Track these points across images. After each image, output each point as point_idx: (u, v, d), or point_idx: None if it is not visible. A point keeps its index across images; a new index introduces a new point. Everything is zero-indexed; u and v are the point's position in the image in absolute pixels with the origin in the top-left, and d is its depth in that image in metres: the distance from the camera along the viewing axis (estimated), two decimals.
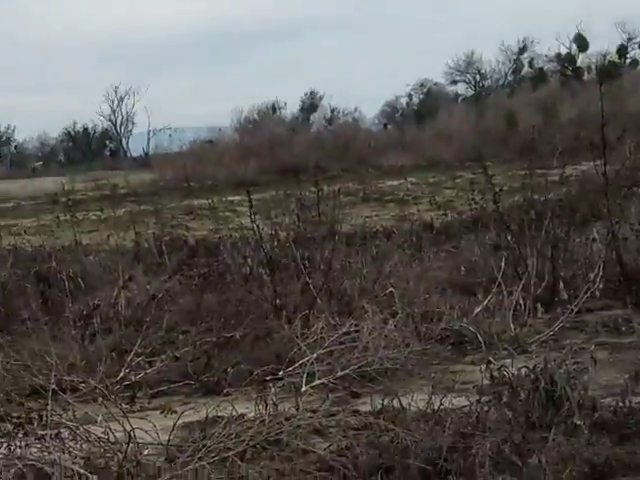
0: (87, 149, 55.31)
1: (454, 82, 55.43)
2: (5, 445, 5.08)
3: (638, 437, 5.08)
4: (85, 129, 55.77)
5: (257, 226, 9.81)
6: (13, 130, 55.83)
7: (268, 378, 6.89)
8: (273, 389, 6.13)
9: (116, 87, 55.54)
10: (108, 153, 56.39)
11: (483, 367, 6.09)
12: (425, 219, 15.12)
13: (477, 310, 8.38)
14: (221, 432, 5.19)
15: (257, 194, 17.66)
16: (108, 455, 5.16)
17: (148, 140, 53.77)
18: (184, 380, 7.37)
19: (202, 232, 15.81)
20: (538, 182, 10.87)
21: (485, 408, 5.55)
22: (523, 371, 5.77)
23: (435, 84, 54.54)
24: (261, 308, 9.08)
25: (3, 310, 9.60)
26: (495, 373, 5.95)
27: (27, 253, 12.51)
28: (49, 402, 5.49)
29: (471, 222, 12.68)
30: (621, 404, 5.52)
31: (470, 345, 7.83)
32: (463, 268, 10.50)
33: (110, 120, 55.93)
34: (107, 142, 57.04)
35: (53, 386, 5.67)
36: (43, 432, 5.15)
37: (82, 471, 4.91)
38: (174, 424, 5.35)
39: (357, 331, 7.47)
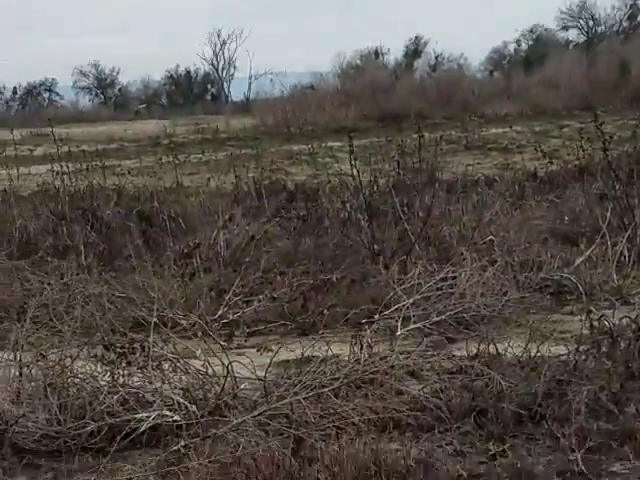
0: (189, 93, 55.95)
1: (565, 28, 53.51)
2: (109, 373, 5.29)
3: None
4: (187, 72, 56.37)
5: (357, 171, 9.79)
6: (118, 73, 56.83)
7: (363, 321, 6.92)
8: (368, 331, 6.16)
9: (219, 31, 55.85)
10: (209, 97, 56.90)
11: (583, 317, 5.98)
12: (529, 168, 14.80)
13: (579, 260, 8.20)
14: (316, 370, 5.26)
15: (357, 140, 17.56)
16: (206, 387, 5.30)
17: (249, 85, 54.01)
18: (280, 320, 7.48)
19: (301, 177, 15.89)
20: None
21: (583, 357, 5.46)
22: (624, 321, 5.64)
23: (545, 30, 52.77)
24: (358, 253, 9.11)
25: (107, 247, 9.90)
26: (595, 323, 5.83)
27: (130, 193, 12.84)
28: (151, 334, 5.67)
29: (577, 171, 12.34)
30: None
31: (570, 295, 7.68)
32: (566, 218, 10.25)
33: (212, 64, 56.33)
34: (209, 86, 57.55)
35: (155, 319, 5.84)
36: (145, 362, 5.34)
37: (182, 400, 5.07)
38: (271, 360, 5.45)
39: (454, 277, 7.42)
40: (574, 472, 4.32)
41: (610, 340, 5.52)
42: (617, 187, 9.58)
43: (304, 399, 4.90)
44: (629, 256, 8.32)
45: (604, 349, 5.50)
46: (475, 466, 4.48)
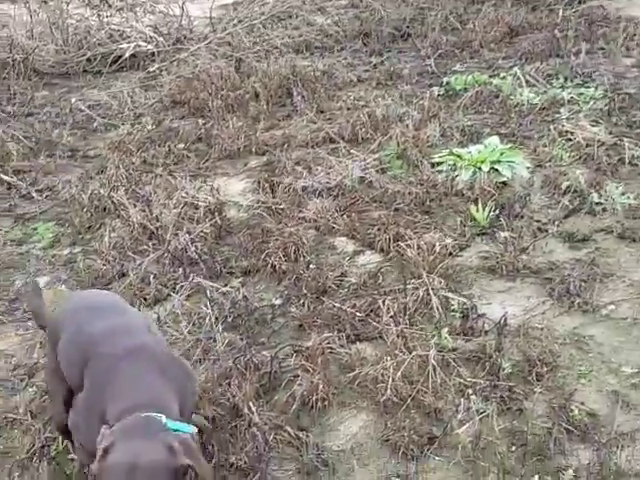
0: None
1: None
2: (96, 14, 7.02)
3: (545, 7, 6.93)
4: None
5: None
6: None
7: None
8: None
9: None
10: None
11: None
12: None
13: None
14: (248, 7, 7.07)
15: None
16: (169, 25, 7.08)
17: None
18: None
19: None
20: None
21: None
22: None
23: None
24: None
25: None
26: None
27: None
28: None
29: None
30: None
31: None
32: None
33: None
34: None
35: None
36: (122, 5, 7.07)
37: (152, 34, 6.88)
38: (213, 2, 7.16)
39: None
40: (429, 72, 6.32)
41: None
42: None
43: (241, 30, 6.74)
44: None
45: None
46: (362, 73, 6.43)
